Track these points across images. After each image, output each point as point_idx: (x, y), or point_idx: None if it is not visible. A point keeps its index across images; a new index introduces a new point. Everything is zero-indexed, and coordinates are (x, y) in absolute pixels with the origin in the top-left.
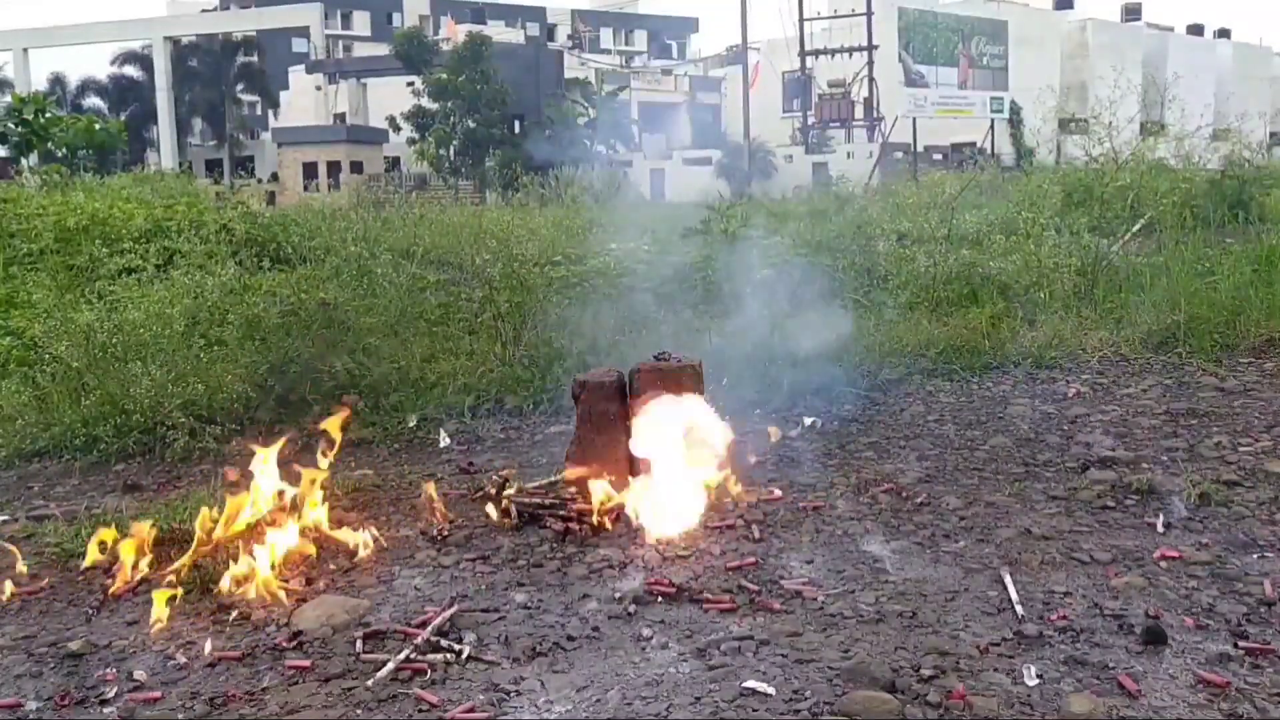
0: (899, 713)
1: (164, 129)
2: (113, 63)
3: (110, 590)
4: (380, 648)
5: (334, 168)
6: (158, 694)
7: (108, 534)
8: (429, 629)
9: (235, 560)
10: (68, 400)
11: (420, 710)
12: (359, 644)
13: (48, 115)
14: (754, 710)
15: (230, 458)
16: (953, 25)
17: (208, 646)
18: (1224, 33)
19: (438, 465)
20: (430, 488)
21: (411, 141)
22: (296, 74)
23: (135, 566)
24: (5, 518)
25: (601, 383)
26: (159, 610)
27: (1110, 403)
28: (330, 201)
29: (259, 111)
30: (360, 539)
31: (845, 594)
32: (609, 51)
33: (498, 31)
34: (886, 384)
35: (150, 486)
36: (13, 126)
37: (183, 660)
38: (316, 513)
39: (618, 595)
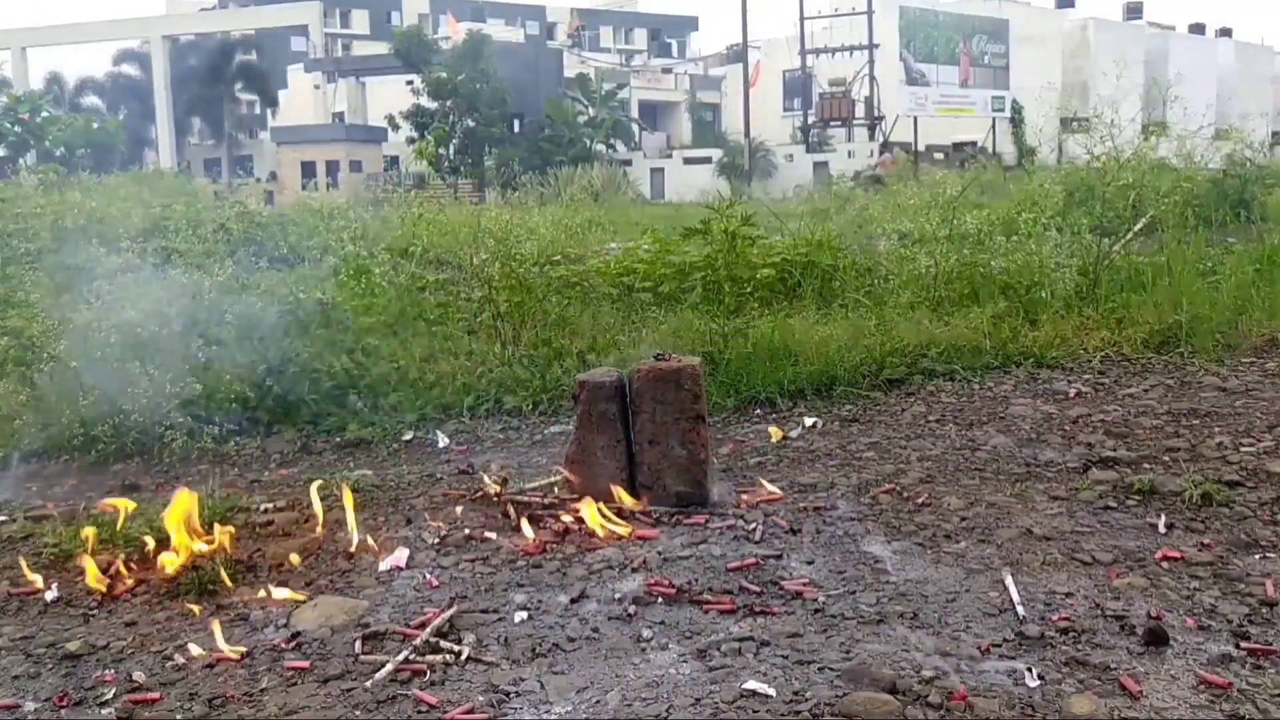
0: (900, 713)
1: (162, 128)
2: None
3: (111, 590)
4: (379, 649)
5: (332, 166)
6: (156, 695)
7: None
8: (428, 630)
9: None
10: (66, 400)
11: (419, 711)
12: (358, 645)
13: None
14: (754, 711)
15: (229, 458)
16: (954, 24)
17: (205, 647)
18: (1225, 32)
19: (437, 465)
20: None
21: (410, 140)
22: (295, 73)
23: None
24: (4, 518)
25: (601, 383)
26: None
27: (1112, 403)
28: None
29: (257, 110)
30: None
31: (846, 595)
32: (609, 50)
33: (497, 30)
34: (887, 384)
35: (149, 486)
36: (9, 126)
37: (181, 661)
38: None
39: (618, 596)
